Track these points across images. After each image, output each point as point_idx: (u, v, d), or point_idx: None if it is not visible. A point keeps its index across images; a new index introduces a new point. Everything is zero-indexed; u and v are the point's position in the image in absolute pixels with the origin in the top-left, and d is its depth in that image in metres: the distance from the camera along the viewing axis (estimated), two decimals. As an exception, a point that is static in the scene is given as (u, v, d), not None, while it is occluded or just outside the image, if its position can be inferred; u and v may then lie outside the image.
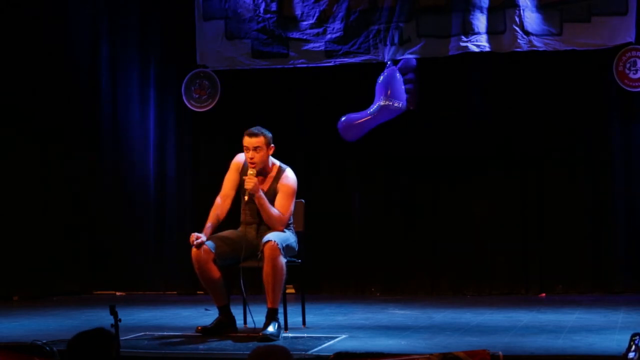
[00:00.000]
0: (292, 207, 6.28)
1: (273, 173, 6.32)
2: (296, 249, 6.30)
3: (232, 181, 6.39)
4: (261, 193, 6.15)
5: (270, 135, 6.30)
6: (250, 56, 9.10)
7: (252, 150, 6.21)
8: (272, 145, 6.29)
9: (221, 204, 6.34)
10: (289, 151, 6.69)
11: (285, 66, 9.05)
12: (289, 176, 6.31)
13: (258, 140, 6.21)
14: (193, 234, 6.14)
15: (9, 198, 9.06)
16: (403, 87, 8.63)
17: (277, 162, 6.39)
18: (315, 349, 5.41)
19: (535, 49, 8.50)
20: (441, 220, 9.03)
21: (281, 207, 6.22)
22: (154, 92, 9.59)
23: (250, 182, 6.13)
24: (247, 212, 6.33)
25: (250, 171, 6.18)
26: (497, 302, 8.12)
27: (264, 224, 6.24)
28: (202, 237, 6.12)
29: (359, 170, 9.23)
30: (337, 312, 7.63)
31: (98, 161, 9.64)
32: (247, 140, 6.23)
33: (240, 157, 6.41)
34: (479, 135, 8.95)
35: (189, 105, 9.46)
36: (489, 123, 8.93)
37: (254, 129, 6.27)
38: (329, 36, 8.92)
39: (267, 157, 6.28)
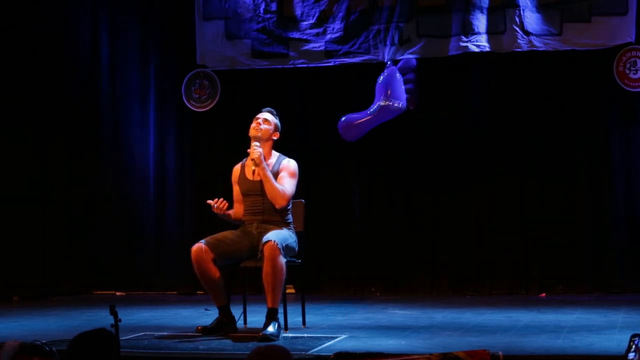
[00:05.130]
0: (294, 188, 6.32)
1: (273, 160, 6.38)
2: (296, 249, 6.30)
3: (236, 191, 6.46)
4: (265, 165, 6.22)
5: (279, 125, 6.43)
6: (250, 56, 9.11)
7: (261, 119, 6.36)
8: (278, 133, 6.42)
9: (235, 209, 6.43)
10: (289, 151, 6.67)
11: (285, 66, 9.06)
12: (291, 161, 6.41)
13: (269, 116, 6.41)
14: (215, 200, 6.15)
15: (9, 198, 9.05)
16: (403, 87, 8.62)
17: (277, 154, 6.46)
18: (315, 349, 5.40)
19: (535, 49, 8.51)
20: (441, 220, 9.03)
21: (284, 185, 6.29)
22: (154, 92, 9.59)
23: (255, 151, 6.22)
24: (246, 211, 6.34)
25: (255, 142, 6.26)
26: (497, 302, 8.12)
27: (263, 223, 6.25)
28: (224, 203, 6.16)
29: (359, 171, 9.23)
30: (337, 312, 7.62)
31: (98, 161, 9.64)
32: (260, 114, 6.41)
33: (235, 167, 6.51)
34: (479, 135, 8.96)
35: (189, 105, 9.47)
36: (488, 123, 8.93)
37: (272, 109, 6.47)
38: (329, 36, 8.92)
39: (270, 140, 6.37)
